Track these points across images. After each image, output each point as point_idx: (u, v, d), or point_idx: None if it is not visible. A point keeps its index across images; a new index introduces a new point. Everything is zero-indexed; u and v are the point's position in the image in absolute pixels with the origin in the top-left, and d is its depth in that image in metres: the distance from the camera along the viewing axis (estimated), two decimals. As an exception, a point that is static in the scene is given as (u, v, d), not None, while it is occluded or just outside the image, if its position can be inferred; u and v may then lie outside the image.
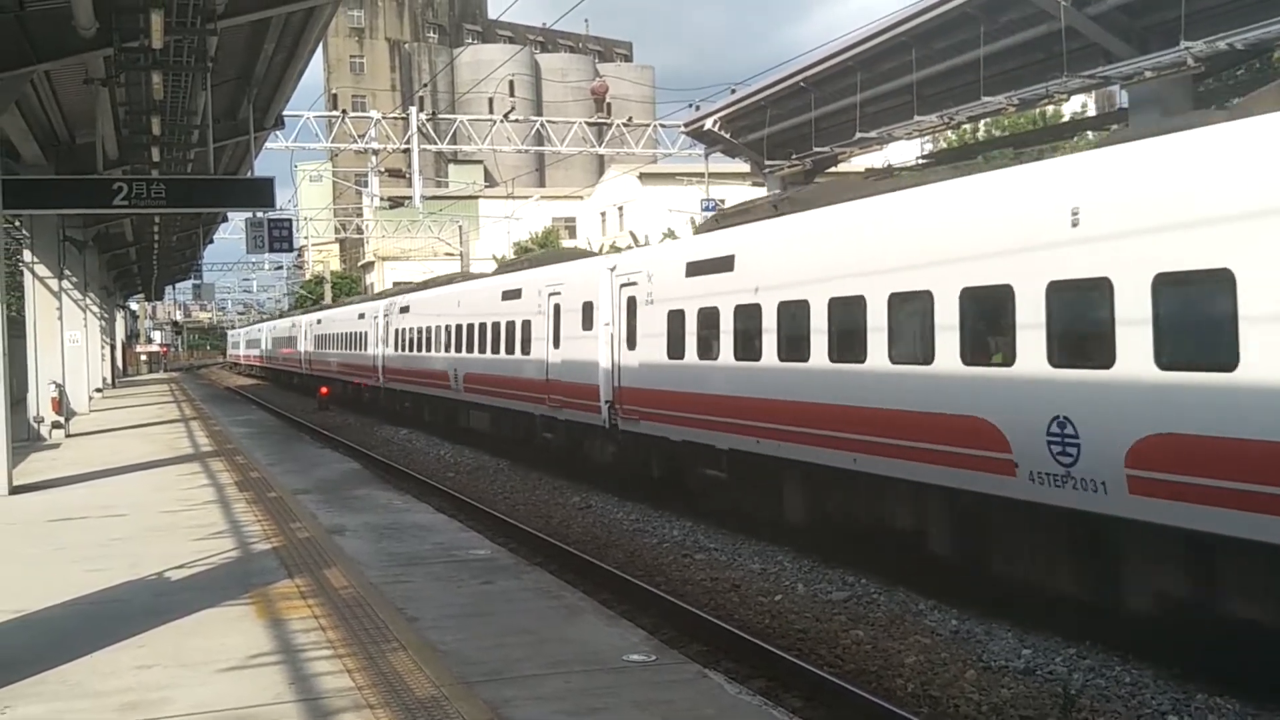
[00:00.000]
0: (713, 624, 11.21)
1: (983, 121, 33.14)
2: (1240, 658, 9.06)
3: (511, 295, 24.56)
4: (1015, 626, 10.96)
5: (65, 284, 29.29)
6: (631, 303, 18.51)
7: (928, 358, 11.61)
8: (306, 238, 79.99)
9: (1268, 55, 20.60)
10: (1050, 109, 33.68)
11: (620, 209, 66.82)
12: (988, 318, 10.98)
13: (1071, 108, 38.65)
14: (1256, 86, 23.92)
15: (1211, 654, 9.36)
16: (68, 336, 28.72)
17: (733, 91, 32.18)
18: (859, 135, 26.07)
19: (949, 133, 34.27)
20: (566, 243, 65.03)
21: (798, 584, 13.15)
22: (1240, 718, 8.63)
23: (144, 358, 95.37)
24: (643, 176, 60.77)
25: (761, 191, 34.14)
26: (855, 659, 10.40)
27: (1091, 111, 39.06)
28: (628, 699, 6.64)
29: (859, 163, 35.30)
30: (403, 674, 7.18)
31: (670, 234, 43.95)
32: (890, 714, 8.60)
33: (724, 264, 15.63)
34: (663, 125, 43.04)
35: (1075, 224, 9.88)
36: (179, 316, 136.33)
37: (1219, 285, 8.56)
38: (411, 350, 33.37)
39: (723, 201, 48.16)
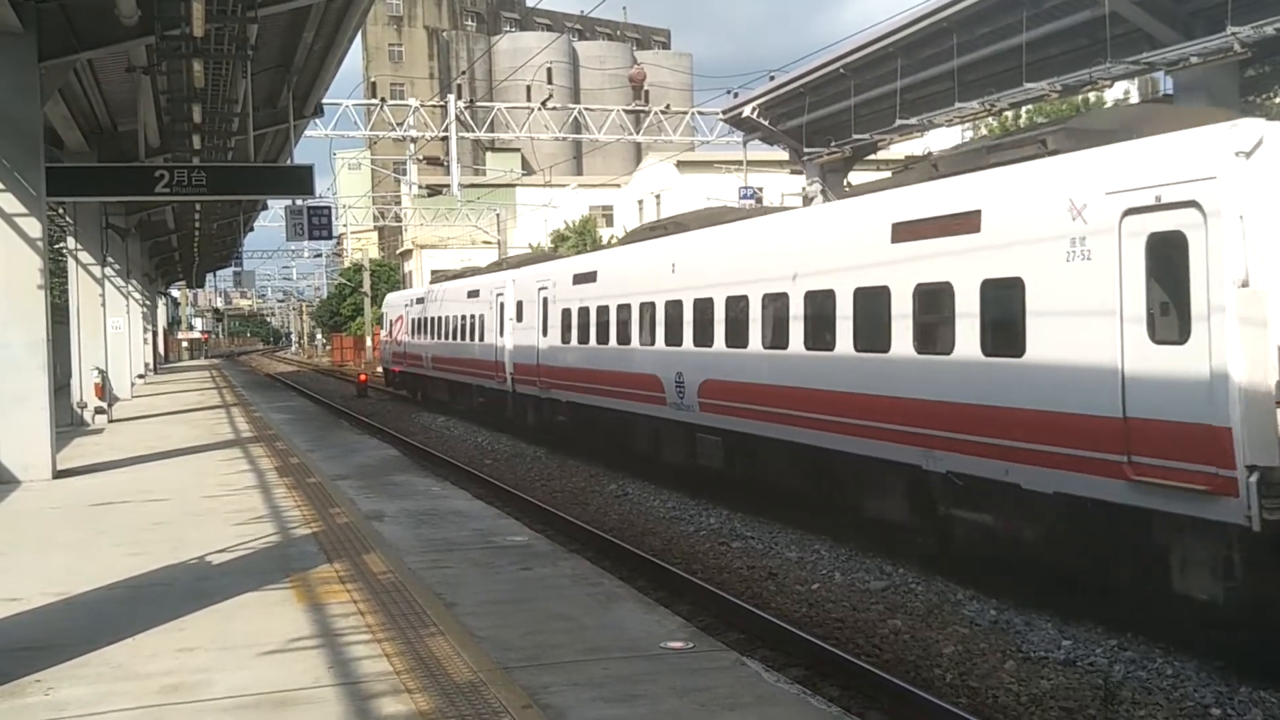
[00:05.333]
0: (750, 612, 11.18)
1: (1025, 108, 32.81)
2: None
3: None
4: (1055, 617, 10.85)
5: (108, 271, 29.66)
6: None
7: None
8: (345, 225, 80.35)
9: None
10: (1093, 95, 33.26)
11: (657, 197, 66.72)
12: None
13: (1114, 94, 38.20)
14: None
15: (1257, 647, 9.22)
16: (110, 323, 29.09)
17: (771, 79, 32.00)
18: (899, 122, 25.87)
19: (990, 119, 33.92)
20: (604, 232, 64.97)
21: (835, 573, 13.09)
22: (1285, 712, 8.51)
23: (185, 344, 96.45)
24: (680, 164, 60.66)
25: (800, 180, 34.02)
26: (893, 648, 10.34)
27: (1134, 98, 38.60)
28: (665, 686, 6.63)
29: (899, 150, 35.06)
30: (441, 659, 7.20)
31: None
32: (928, 704, 8.55)
33: None
34: (700, 113, 42.94)
35: None
36: (220, 304, 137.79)
37: None
38: (571, 340, 22.98)
39: (761, 190, 48.06)
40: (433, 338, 35.95)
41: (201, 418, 27.40)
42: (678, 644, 7.45)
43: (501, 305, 28.06)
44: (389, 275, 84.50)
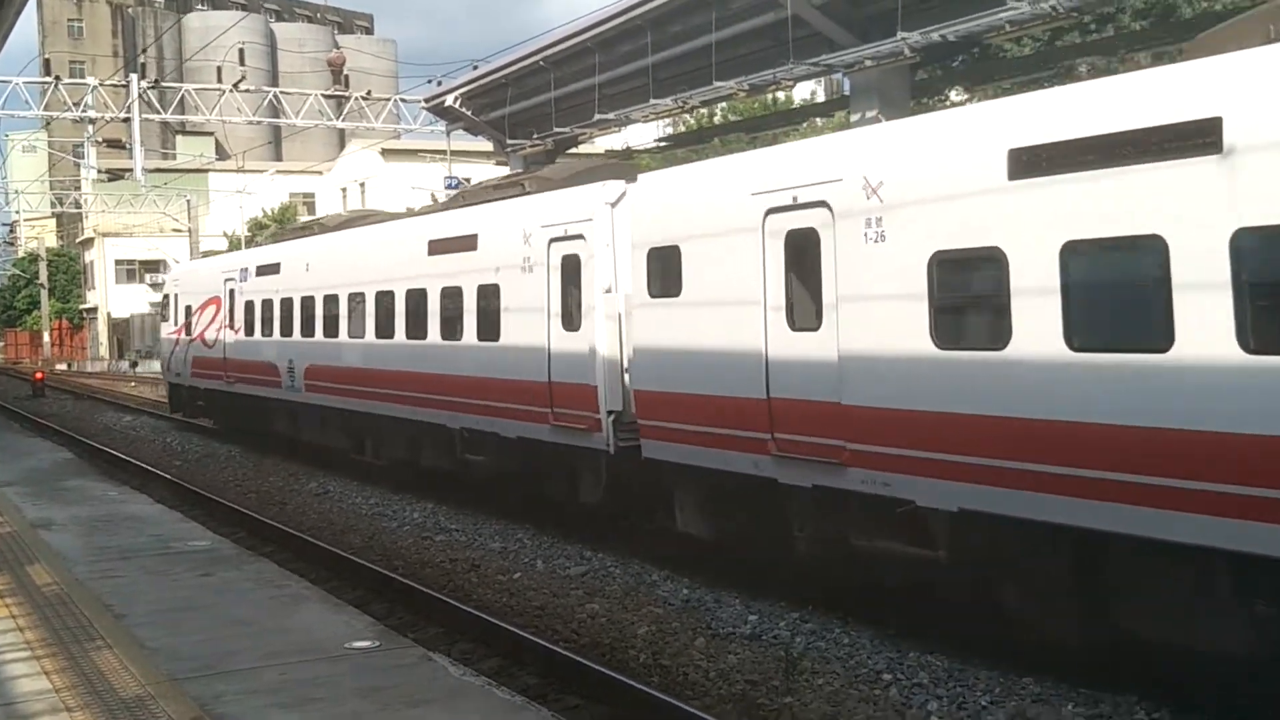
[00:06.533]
0: (447, 605, 11.08)
1: (719, 106, 33.98)
2: (953, 618, 9.62)
3: None
4: (743, 594, 11.30)
5: None
6: None
7: None
8: (18, 212, 74.65)
9: (982, 46, 21.84)
10: (781, 95, 34.82)
11: (362, 185, 65.23)
12: None
13: (802, 94, 40.19)
14: (973, 76, 25.46)
15: (925, 615, 9.90)
16: None
17: (474, 68, 31.82)
18: (598, 116, 26.23)
19: (686, 116, 34.96)
20: (304, 219, 62.92)
21: (537, 561, 13.19)
22: (949, 673, 9.16)
23: None
24: (385, 153, 59.49)
25: (506, 172, 33.99)
26: (590, 632, 10.50)
27: (821, 97, 40.70)
28: (348, 687, 6.48)
29: (601, 143, 35.65)
30: (106, 673, 6.78)
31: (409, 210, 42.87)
32: (622, 685, 8.71)
33: None
34: (404, 100, 42.16)
35: None
36: None
37: None
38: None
39: (468, 180, 47.81)
40: (306, 333, 21.16)
41: None
42: (364, 643, 7.30)
43: (573, 260, 13.59)
44: (68, 265, 79.11)
